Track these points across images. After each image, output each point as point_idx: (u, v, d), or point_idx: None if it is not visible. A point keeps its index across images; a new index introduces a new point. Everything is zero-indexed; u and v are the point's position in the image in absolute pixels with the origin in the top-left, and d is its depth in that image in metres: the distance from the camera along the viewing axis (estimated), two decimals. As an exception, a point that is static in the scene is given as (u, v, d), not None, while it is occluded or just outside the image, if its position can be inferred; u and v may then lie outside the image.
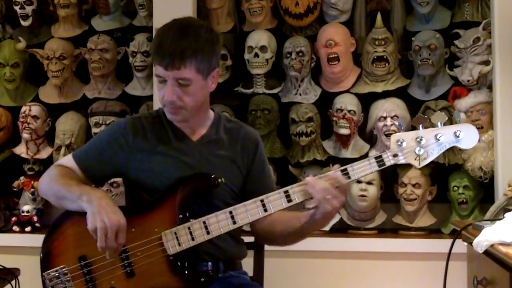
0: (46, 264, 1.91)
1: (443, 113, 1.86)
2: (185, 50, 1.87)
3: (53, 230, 1.95)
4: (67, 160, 2.06)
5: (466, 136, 1.82)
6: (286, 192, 1.86)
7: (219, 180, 1.90)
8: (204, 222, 1.86)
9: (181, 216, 1.88)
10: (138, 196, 2.00)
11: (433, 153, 1.82)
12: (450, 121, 3.07)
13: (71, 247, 1.90)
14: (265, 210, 1.86)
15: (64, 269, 1.89)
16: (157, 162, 1.98)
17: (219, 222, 1.86)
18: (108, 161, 2.01)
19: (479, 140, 2.96)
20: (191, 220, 1.87)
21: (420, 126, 1.83)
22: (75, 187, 1.90)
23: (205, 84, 1.96)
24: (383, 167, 1.83)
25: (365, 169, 1.83)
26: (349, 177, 1.84)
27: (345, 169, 1.84)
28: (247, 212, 1.86)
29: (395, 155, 1.82)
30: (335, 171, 1.84)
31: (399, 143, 1.82)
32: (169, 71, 1.88)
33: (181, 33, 1.90)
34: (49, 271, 1.89)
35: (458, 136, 1.81)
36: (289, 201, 1.85)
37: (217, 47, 1.98)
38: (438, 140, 1.81)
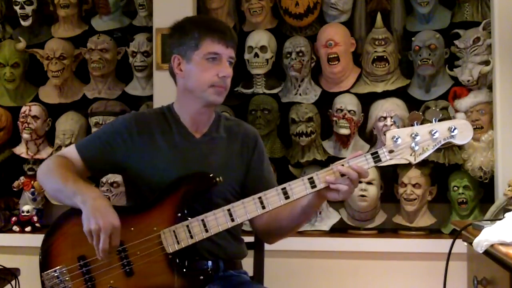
0: (45, 264, 1.91)
1: (438, 110, 1.87)
2: (233, 34, 2.04)
3: (52, 231, 1.94)
4: (69, 150, 2.05)
5: (460, 131, 1.82)
6: (283, 189, 1.85)
7: (217, 179, 1.90)
8: (203, 220, 1.86)
9: (179, 214, 1.88)
10: (138, 193, 2.00)
11: (428, 149, 1.83)
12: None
13: (70, 247, 1.89)
14: (263, 207, 1.86)
15: (63, 269, 1.88)
16: (159, 158, 1.99)
17: (217, 220, 1.86)
18: (110, 153, 2.00)
19: (479, 140, 3.02)
20: (189, 218, 1.87)
21: (415, 122, 1.85)
22: (71, 183, 1.87)
23: None
24: (379, 163, 1.84)
25: (363, 165, 1.83)
26: None
27: (342, 165, 1.84)
28: (245, 209, 1.86)
29: (391, 151, 1.83)
30: (356, 158, 1.84)
31: (395, 139, 1.83)
32: (229, 48, 1.99)
33: (222, 21, 2.12)
34: (48, 271, 1.89)
35: (452, 131, 1.82)
36: (287, 198, 1.85)
37: None
38: (433, 135, 1.83)
